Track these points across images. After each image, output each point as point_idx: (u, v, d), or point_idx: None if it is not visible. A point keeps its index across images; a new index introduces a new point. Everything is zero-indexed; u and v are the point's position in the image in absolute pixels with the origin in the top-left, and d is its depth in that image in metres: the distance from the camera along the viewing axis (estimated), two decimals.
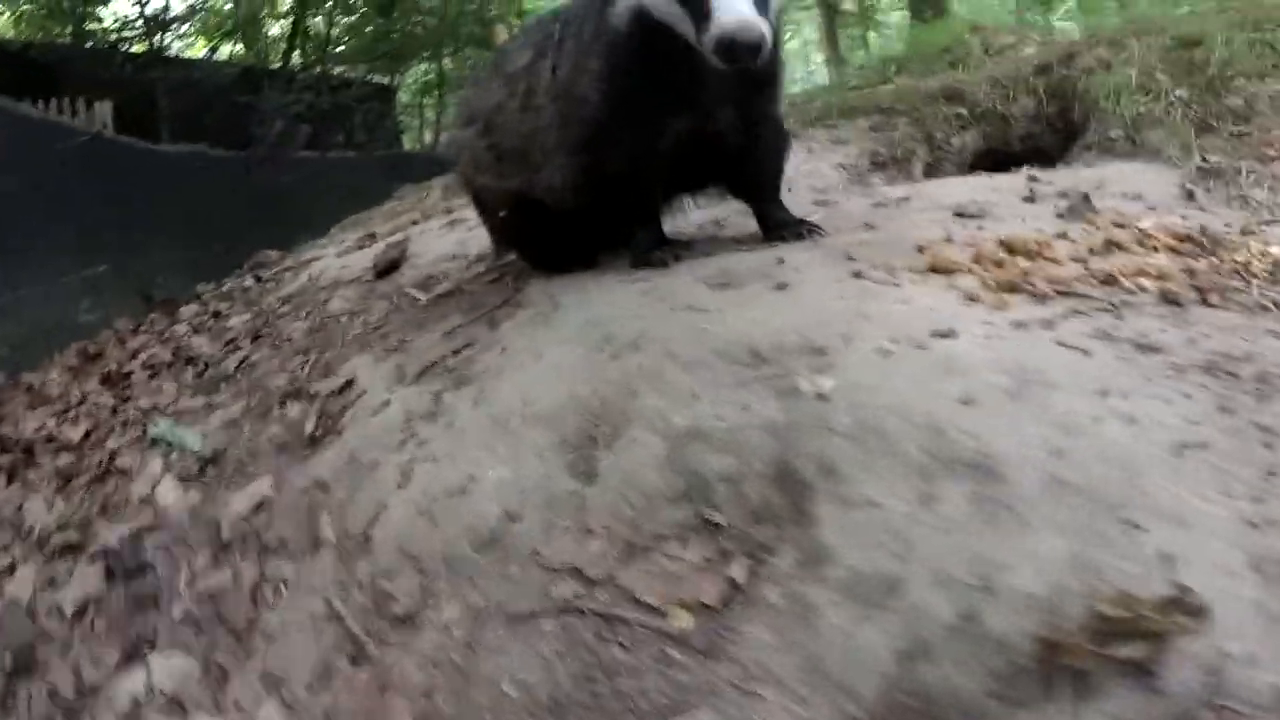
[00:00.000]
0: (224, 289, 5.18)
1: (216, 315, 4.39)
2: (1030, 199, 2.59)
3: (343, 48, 11.82)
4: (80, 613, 1.94)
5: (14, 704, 1.73)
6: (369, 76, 12.66)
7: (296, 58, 10.08)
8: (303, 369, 2.85)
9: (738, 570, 1.30)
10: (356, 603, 1.58)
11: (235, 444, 2.45)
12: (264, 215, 7.40)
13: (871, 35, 22.41)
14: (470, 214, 4.49)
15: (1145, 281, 1.90)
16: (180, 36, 9.62)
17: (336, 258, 4.64)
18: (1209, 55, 3.35)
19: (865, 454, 1.36)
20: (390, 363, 2.50)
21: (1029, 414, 1.38)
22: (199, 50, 10.34)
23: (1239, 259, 2.06)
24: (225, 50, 10.43)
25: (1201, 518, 1.21)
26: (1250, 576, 1.13)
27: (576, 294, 2.33)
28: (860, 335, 1.59)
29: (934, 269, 1.93)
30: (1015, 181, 2.81)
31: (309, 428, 2.28)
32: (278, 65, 10.13)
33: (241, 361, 3.25)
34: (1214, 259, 2.06)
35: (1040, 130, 3.79)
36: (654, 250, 2.39)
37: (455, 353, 2.31)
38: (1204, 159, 2.67)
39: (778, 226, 2.46)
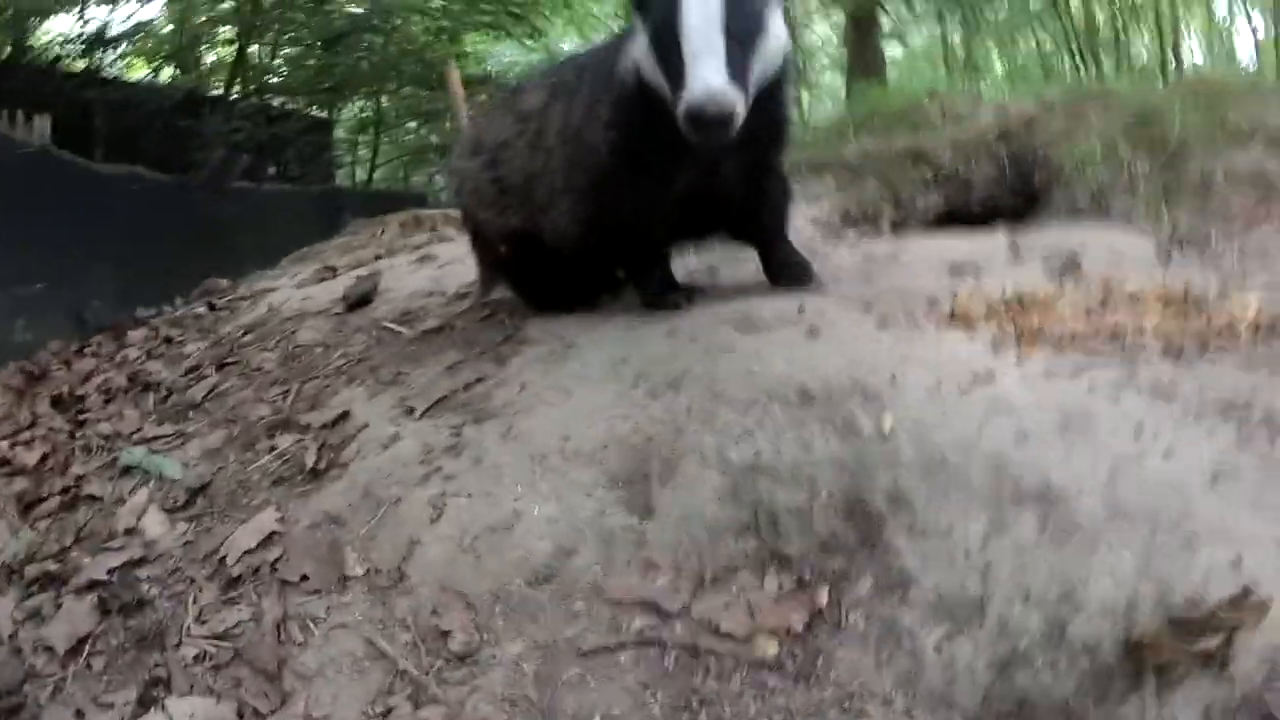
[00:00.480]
0: (175, 315, 5.02)
1: (169, 341, 4.25)
2: (1015, 257, 2.72)
3: (283, 78, 11.66)
4: (74, 650, 1.84)
5: None
6: (308, 109, 12.36)
7: (237, 86, 9.88)
8: (284, 399, 2.79)
9: (819, 597, 1.34)
10: (402, 641, 1.55)
11: (222, 475, 2.38)
12: (202, 242, 7.20)
13: (804, 94, 23.20)
14: (441, 251, 4.51)
15: (1147, 335, 2.02)
16: (121, 55, 9.37)
17: (296, 289, 4.55)
18: (1166, 129, 3.58)
19: (933, 486, 1.42)
20: (389, 396, 2.47)
21: (1079, 449, 1.47)
22: (137, 71, 10.09)
23: (1223, 318, 2.20)
24: (165, 74, 10.16)
25: (1246, 533, 1.35)
26: None
27: (588, 333, 2.35)
28: (907, 378, 1.65)
29: (954, 319, 2.01)
30: (995, 241, 2.94)
31: (309, 460, 2.23)
32: (218, 92, 9.92)
33: (211, 390, 3.16)
34: (1200, 317, 2.19)
35: (1000, 194, 3.97)
36: (666, 294, 2.41)
37: (466, 388, 2.30)
38: (1175, 227, 2.84)
39: (785, 266, 2.49)
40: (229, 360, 3.51)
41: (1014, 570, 1.32)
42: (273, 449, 2.41)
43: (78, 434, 3.09)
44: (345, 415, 2.45)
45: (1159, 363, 1.90)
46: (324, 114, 13.19)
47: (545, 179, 2.55)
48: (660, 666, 1.31)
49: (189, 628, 1.80)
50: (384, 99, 14.06)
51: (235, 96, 9.60)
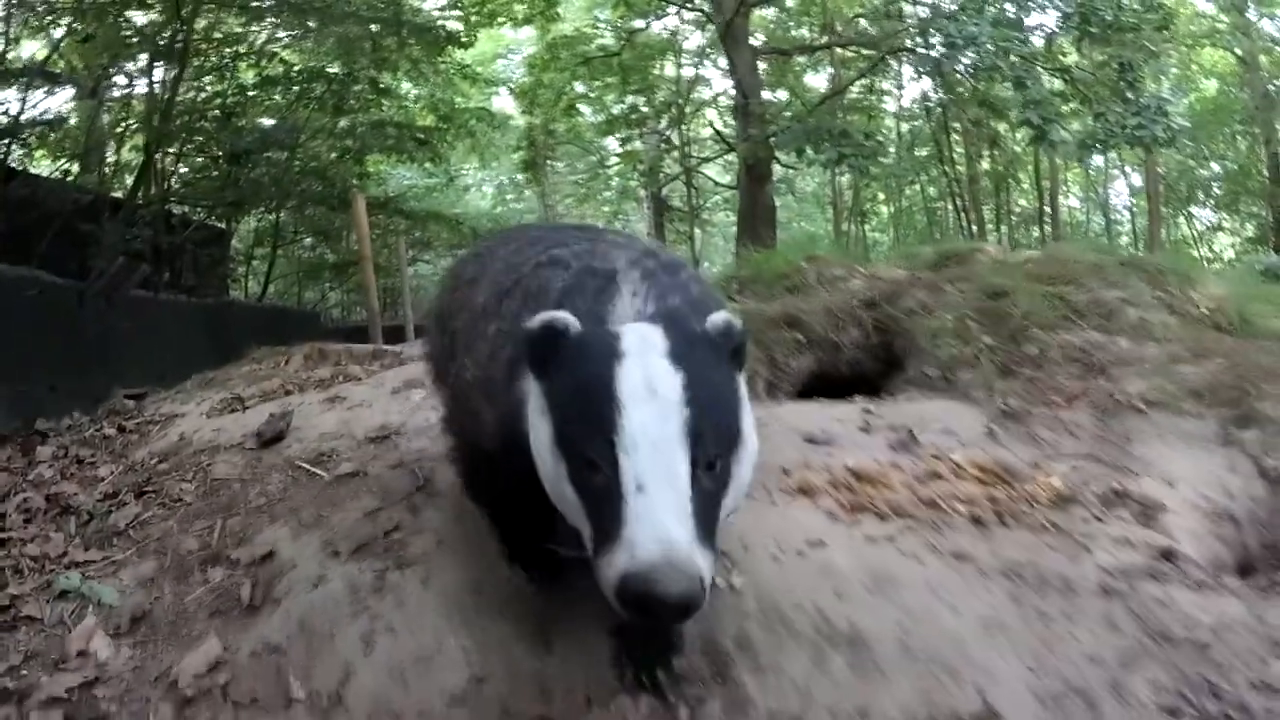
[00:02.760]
0: (85, 435, 5.20)
1: (80, 461, 4.45)
2: (866, 429, 3.29)
3: (188, 187, 11.95)
4: None
5: None
6: (208, 219, 12.70)
7: (141, 192, 10.04)
8: (210, 534, 3.11)
9: (683, 713, 1.80)
10: None
11: (160, 604, 2.68)
12: (96, 352, 7.31)
13: (697, 231, 24.60)
14: (349, 392, 4.86)
15: (958, 505, 2.59)
16: (24, 147, 9.41)
17: (205, 418, 4.84)
18: (1011, 308, 4.28)
19: (771, 632, 1.93)
20: (313, 537, 2.84)
21: (884, 604, 2.01)
22: (39, 165, 10.17)
23: (1028, 489, 2.79)
24: (66, 171, 10.24)
25: (1000, 671, 1.91)
26: (1032, 703, 1.85)
27: None
28: (756, 544, 2.17)
29: (801, 491, 2.54)
30: (852, 412, 3.51)
31: (244, 595, 2.58)
32: (120, 195, 10.04)
33: (134, 519, 3.42)
34: (1009, 488, 2.78)
35: (865, 358, 4.63)
36: (527, 567, 2.23)
37: (385, 534, 2.71)
38: (1005, 402, 3.47)
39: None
40: (147, 489, 3.78)
41: (828, 696, 1.85)
42: (205, 582, 2.75)
43: (4, 554, 3.31)
44: (272, 554, 2.80)
45: (963, 529, 2.46)
46: (222, 225, 13.45)
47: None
48: None
49: None
50: (282, 214, 14.49)
51: (139, 203, 9.72)
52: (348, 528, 2.84)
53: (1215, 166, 25.54)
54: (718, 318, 1.64)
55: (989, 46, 11.15)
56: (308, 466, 3.61)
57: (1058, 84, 12.65)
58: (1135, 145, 12.18)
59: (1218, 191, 25.84)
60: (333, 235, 18.02)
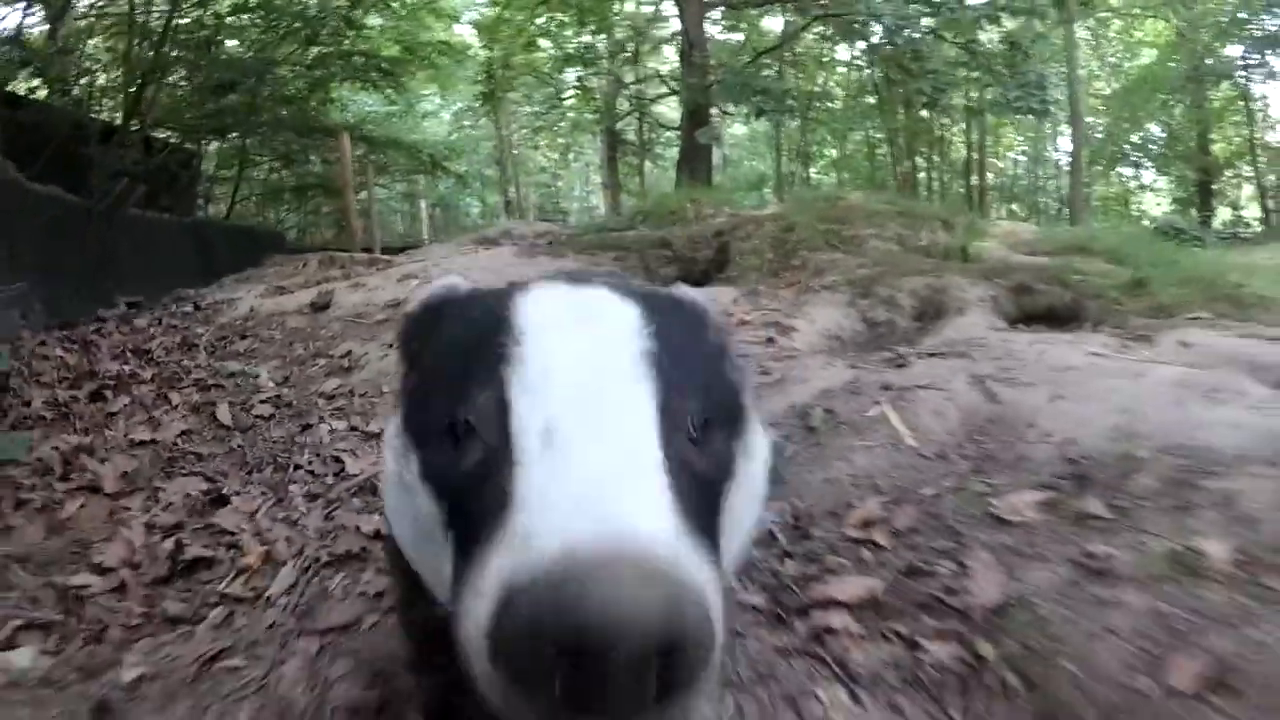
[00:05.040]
0: (155, 315, 7.89)
1: (175, 328, 7.20)
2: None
3: (172, 115, 13.37)
4: None
5: None
6: (184, 143, 14.21)
7: (133, 119, 11.22)
8: (306, 348, 5.93)
9: None
10: None
11: (294, 375, 5.48)
12: (99, 264, 8.73)
13: (648, 164, 27.32)
14: (366, 280, 7.69)
15: None
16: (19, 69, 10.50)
17: (260, 299, 7.63)
18: (794, 238, 7.22)
19: None
20: (371, 345, 5.67)
21: None
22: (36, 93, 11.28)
23: (737, 321, 5.69)
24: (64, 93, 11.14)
25: None
26: None
27: None
28: None
29: None
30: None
31: (345, 365, 5.40)
32: (105, 120, 11.23)
33: (246, 348, 6.21)
34: (756, 331, 5.67)
35: (711, 268, 7.56)
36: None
37: None
38: (754, 286, 6.37)
39: None
40: (246, 334, 6.57)
41: None
42: (315, 364, 5.56)
43: (170, 364, 6.07)
44: (350, 352, 5.62)
45: None
46: (194, 148, 15.29)
47: None
48: None
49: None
50: (249, 139, 16.59)
51: (130, 127, 11.00)
52: (389, 338, 5.67)
53: (1155, 129, 28.90)
54: (685, 289, 1.36)
55: (888, 22, 13.84)
56: (352, 319, 6.45)
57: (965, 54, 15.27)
58: (1016, 114, 15.07)
59: (1155, 153, 29.28)
60: (295, 159, 20.10)
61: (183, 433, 4.38)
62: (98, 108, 11.95)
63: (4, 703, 2.29)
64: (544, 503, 0.83)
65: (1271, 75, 24.97)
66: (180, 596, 2.80)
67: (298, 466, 3.86)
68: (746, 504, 1.13)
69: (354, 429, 4.33)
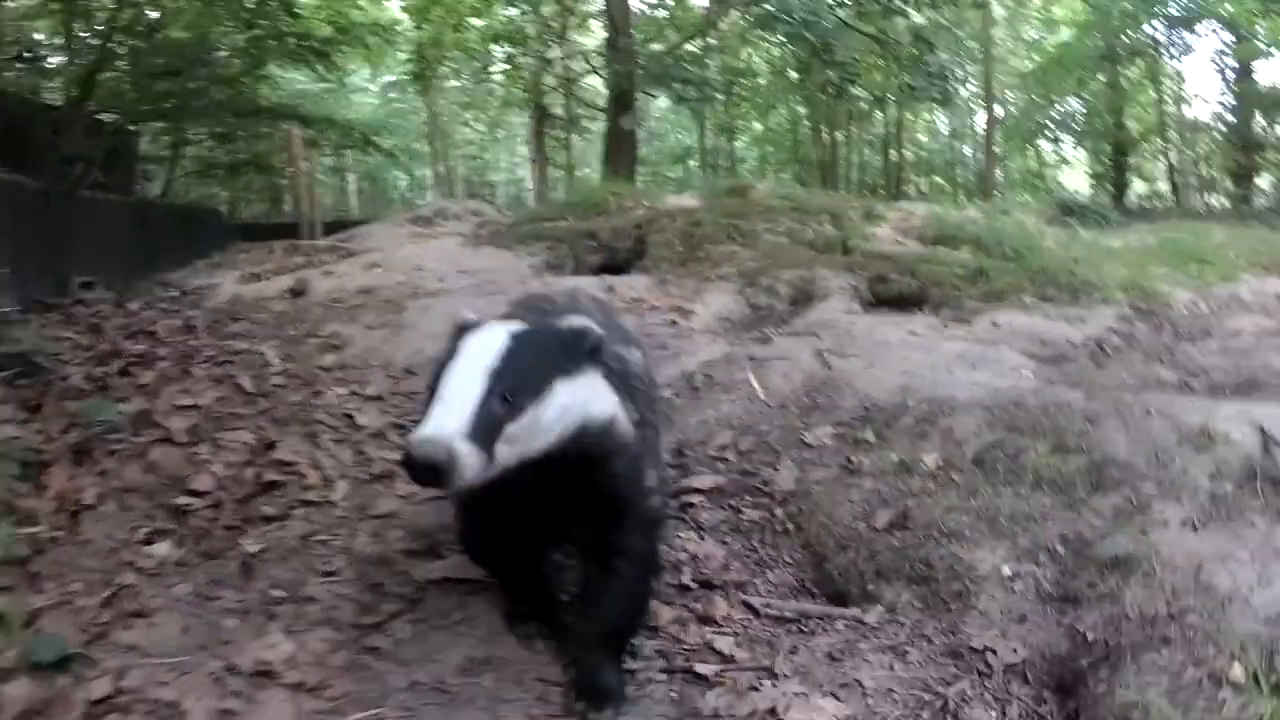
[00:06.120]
0: (145, 300, 9.17)
1: (166, 311, 8.49)
2: (609, 290, 7.75)
3: (115, 98, 13.71)
4: None
5: None
6: (127, 125, 14.12)
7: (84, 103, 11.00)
8: (296, 329, 7.36)
9: None
10: None
11: (292, 354, 6.89)
12: (55, 245, 8.84)
13: (575, 139, 28.66)
14: (335, 269, 9.09)
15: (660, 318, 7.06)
16: None
17: (240, 285, 8.97)
18: (700, 231, 8.82)
19: None
20: (354, 325, 7.13)
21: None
22: None
23: (652, 306, 7.28)
24: None
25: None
26: None
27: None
28: None
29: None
30: (599, 283, 7.99)
31: (335, 345, 6.86)
32: (50, 103, 11.46)
33: (241, 330, 7.59)
34: (643, 304, 7.26)
35: (631, 257, 9.12)
36: (518, 622, 3.14)
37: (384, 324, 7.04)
38: (664, 276, 7.94)
39: (587, 685, 2.74)
40: (237, 317, 7.93)
41: None
42: (310, 342, 6.97)
43: (176, 346, 7.43)
44: (337, 333, 7.06)
45: (628, 311, 6.93)
46: (133, 128, 15.98)
47: None
48: None
49: None
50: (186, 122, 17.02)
51: (83, 112, 10.75)
52: (368, 320, 7.13)
53: (1076, 104, 30.66)
54: (575, 320, 2.49)
55: (799, 15, 15.33)
56: (330, 304, 7.88)
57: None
58: (918, 102, 16.82)
59: (1073, 128, 30.95)
60: (230, 138, 20.78)
61: (218, 399, 5.78)
62: (47, 93, 12.26)
63: (159, 576, 3.72)
64: (426, 419, 2.18)
65: (1187, 51, 26.95)
66: (267, 505, 4.26)
67: (319, 421, 5.32)
68: (530, 428, 2.27)
69: (354, 394, 5.80)
